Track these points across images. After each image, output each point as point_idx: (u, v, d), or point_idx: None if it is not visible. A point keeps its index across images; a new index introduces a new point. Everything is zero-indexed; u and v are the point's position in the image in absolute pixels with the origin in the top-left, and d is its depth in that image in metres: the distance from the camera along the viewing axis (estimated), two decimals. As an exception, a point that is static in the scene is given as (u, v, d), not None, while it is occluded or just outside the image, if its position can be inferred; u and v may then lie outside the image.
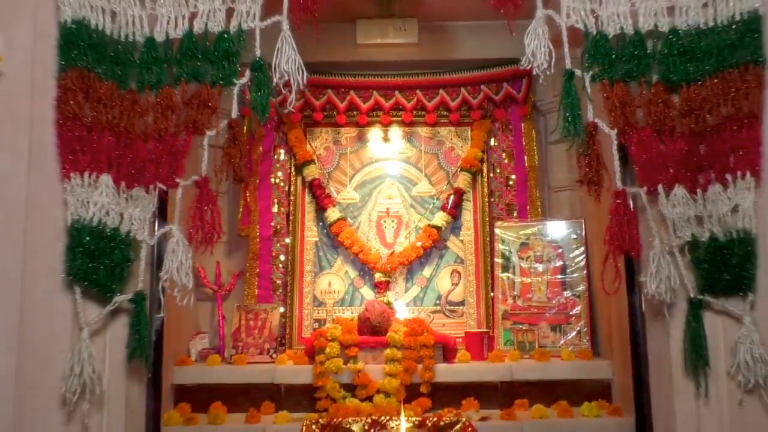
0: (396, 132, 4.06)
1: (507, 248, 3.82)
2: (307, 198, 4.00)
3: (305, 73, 1.58)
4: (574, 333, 3.57)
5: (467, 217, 3.97)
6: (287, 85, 1.53)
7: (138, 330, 1.50)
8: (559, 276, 3.70)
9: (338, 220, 3.89)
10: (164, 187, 1.51)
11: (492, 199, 3.98)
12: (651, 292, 1.58)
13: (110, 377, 1.48)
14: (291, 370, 3.36)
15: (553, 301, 3.67)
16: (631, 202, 1.56)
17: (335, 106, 3.97)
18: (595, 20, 1.54)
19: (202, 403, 3.25)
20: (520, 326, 3.63)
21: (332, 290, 3.89)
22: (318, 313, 3.84)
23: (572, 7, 1.52)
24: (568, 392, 3.27)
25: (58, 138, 1.47)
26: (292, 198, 3.98)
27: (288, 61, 1.52)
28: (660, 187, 1.50)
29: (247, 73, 1.54)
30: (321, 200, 3.94)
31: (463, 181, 3.94)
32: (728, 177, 1.47)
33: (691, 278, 1.49)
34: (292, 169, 3.99)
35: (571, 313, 3.62)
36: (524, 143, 3.99)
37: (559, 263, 3.72)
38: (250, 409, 3.21)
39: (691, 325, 1.49)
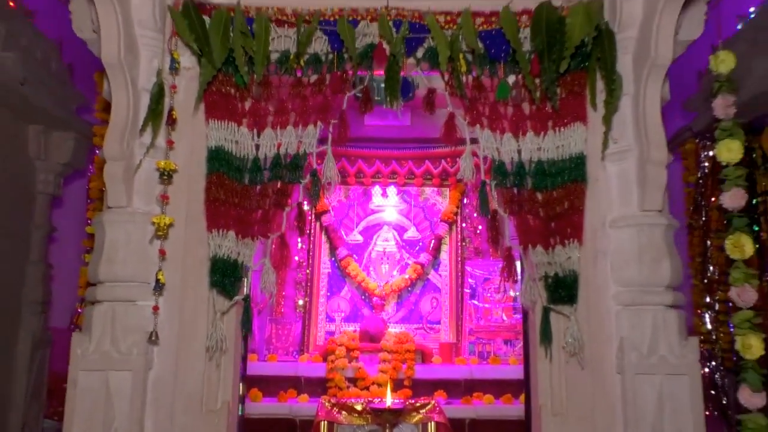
0: (392, 190, 5.27)
1: (474, 281, 4.99)
2: (323, 239, 5.19)
3: (339, 176, 2.79)
4: (520, 345, 4.72)
5: (445, 257, 5.15)
6: (329, 184, 2.75)
7: (246, 315, 2.66)
8: (511, 303, 4.87)
9: (346, 256, 5.07)
10: (262, 238, 2.69)
11: (464, 244, 5.17)
12: (522, 303, 2.76)
13: (229, 338, 2.64)
14: (309, 367, 4.50)
15: (507, 322, 4.84)
16: (514, 253, 2.76)
17: (347, 170, 5.19)
18: (498, 153, 2.74)
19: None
20: (481, 340, 4.78)
21: (340, 309, 5.04)
22: (329, 326, 4.99)
23: (485, 146, 2.72)
24: (512, 387, 4.41)
25: (206, 209, 2.65)
26: (311, 239, 5.17)
27: (330, 170, 2.74)
28: (529, 245, 2.68)
29: (308, 176, 2.74)
30: (334, 241, 5.13)
31: (442, 229, 5.15)
32: (566, 241, 2.64)
33: (544, 295, 2.66)
34: (313, 216, 5.20)
35: (518, 331, 4.78)
36: (488, 203, 5.21)
37: (511, 293, 4.90)
38: (279, 393, 4.35)
39: (543, 320, 2.64)
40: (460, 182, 5.20)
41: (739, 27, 4.61)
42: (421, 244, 5.10)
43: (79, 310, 3.40)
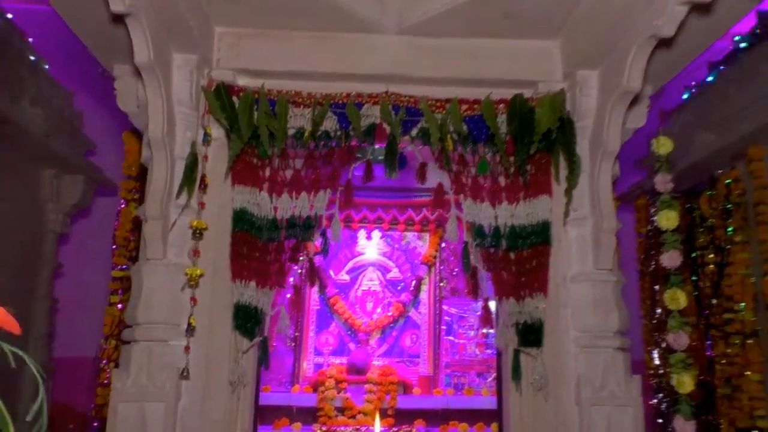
0: (377, 235, 5.75)
1: (450, 318, 5.48)
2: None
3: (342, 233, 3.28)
4: (491, 377, 5.20)
5: (424, 296, 5.63)
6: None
7: (264, 353, 3.08)
8: (483, 339, 5.37)
9: (335, 295, 5.51)
10: (278, 287, 3.13)
11: (441, 284, 5.66)
12: (497, 344, 3.27)
13: (248, 373, 3.05)
14: (301, 397, 4.90)
15: (479, 357, 5.32)
16: (489, 305, 3.28)
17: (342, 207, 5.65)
18: (478, 218, 3.25)
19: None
20: (456, 373, 5.25)
21: (328, 344, 5.46)
22: (318, 359, 5.40)
23: (467, 212, 3.24)
24: (484, 416, 4.88)
25: (231, 263, 3.07)
26: (302, 278, 5.59)
27: (336, 231, 3.23)
28: (503, 297, 3.18)
29: (318, 235, 3.21)
30: (323, 281, 5.57)
31: (422, 271, 5.64)
32: (534, 294, 3.14)
33: (515, 339, 3.15)
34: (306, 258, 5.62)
35: (490, 364, 5.26)
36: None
37: (484, 330, 5.40)
38: (274, 421, 4.73)
39: (514, 360, 3.12)
40: (438, 228, 5.72)
41: (686, 96, 5.28)
42: (402, 284, 5.56)
43: (104, 345, 3.77)
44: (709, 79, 4.88)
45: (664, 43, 2.74)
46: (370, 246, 5.70)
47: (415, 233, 5.71)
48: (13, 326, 0.91)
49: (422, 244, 5.71)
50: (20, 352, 0.91)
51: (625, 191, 5.84)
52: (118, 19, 2.58)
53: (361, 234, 5.70)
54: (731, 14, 2.71)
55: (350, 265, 5.64)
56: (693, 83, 5.15)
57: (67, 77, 5.23)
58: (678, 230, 3.45)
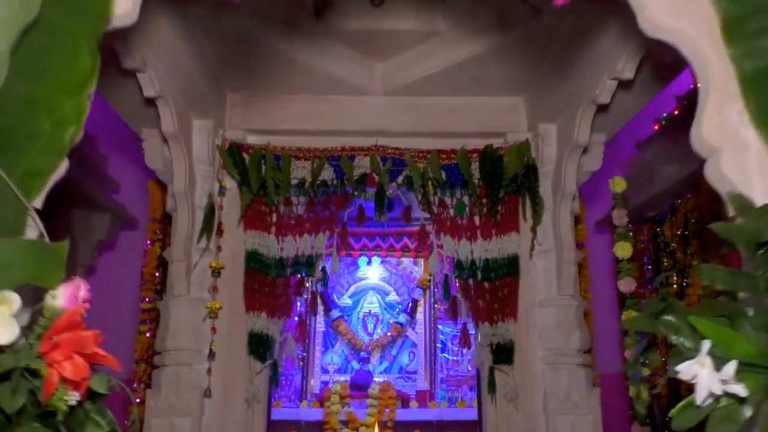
0: (376, 261, 6.23)
1: (444, 337, 5.94)
2: (319, 302, 6.10)
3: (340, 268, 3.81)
4: (482, 392, 5.64)
5: (420, 317, 6.09)
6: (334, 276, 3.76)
7: (274, 374, 3.58)
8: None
9: (338, 317, 5.99)
10: (285, 317, 3.64)
11: (436, 306, 6.12)
12: (475, 363, 3.76)
13: (261, 391, 3.55)
14: (309, 412, 5.36)
15: (471, 372, 5.76)
16: (468, 327, 3.77)
17: (339, 245, 6.16)
18: (457, 253, 3.75)
19: None
20: (450, 387, 5.70)
21: (333, 362, 5.93)
22: (323, 377, 5.86)
23: (447, 248, 3.74)
24: (474, 426, 5.32)
25: (244, 297, 3.58)
26: (308, 303, 6.07)
27: (335, 266, 3.75)
28: (479, 322, 3.67)
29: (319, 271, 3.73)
30: (327, 304, 6.05)
31: (417, 294, 6.11)
32: (505, 318, 3.63)
33: (490, 357, 3.63)
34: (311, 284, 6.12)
35: (481, 379, 5.70)
36: (457, 270, 6.22)
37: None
38: (285, 434, 5.19)
39: (489, 376, 3.60)
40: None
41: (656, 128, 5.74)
42: (400, 306, 6.03)
43: (136, 369, 4.29)
44: (676, 112, 5.35)
45: (604, 107, 3.24)
46: (371, 271, 6.18)
47: (411, 259, 6.19)
48: (114, 364, 1.38)
49: (418, 269, 6.18)
50: (120, 383, 1.39)
51: (604, 216, 6.31)
52: (150, 100, 3.12)
53: (362, 261, 6.19)
54: (651, 88, 3.22)
55: (352, 289, 6.12)
56: (664, 114, 5.60)
57: (90, 124, 5.78)
58: (644, 254, 3.95)
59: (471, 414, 5.32)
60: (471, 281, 3.69)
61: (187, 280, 3.52)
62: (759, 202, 1.47)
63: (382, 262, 6.20)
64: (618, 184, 3.86)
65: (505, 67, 3.55)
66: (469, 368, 5.72)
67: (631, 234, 3.83)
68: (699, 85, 1.67)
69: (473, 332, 3.94)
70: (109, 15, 1.53)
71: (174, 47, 2.98)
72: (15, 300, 1.25)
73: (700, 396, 1.29)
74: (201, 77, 3.36)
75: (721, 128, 1.60)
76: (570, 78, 3.25)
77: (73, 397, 1.26)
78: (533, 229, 3.68)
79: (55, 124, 1.57)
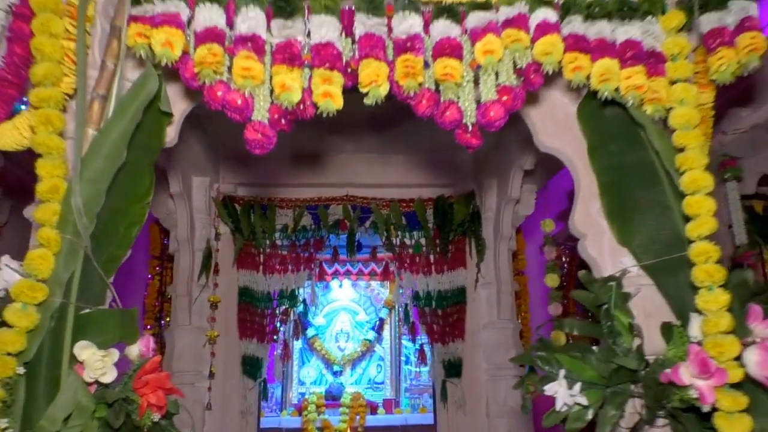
0: (347, 283, 6.91)
1: (408, 352, 6.64)
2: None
3: (317, 300, 4.49)
4: (441, 399, 6.36)
5: (386, 333, 6.77)
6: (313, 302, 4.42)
7: (263, 389, 4.24)
8: (435, 367, 6.52)
9: (314, 336, 6.64)
10: (272, 342, 4.29)
11: (400, 324, 6.82)
12: (431, 376, 4.49)
13: (253, 405, 4.19)
14: (289, 420, 6.00)
15: (432, 382, 6.47)
16: (424, 347, 4.49)
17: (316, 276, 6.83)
18: (415, 285, 4.47)
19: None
20: (414, 396, 6.41)
21: (310, 375, 6.57)
22: (301, 388, 6.49)
23: (407, 281, 4.47)
24: (432, 429, 6.04)
25: (238, 326, 4.23)
26: (288, 324, 6.71)
27: (315, 299, 4.41)
28: (434, 343, 4.39)
29: (301, 303, 4.39)
30: (304, 324, 6.69)
31: (384, 313, 6.81)
32: (455, 339, 4.36)
33: (443, 372, 4.36)
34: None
35: (440, 388, 6.42)
36: (419, 290, 6.93)
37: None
38: (268, 441, 5.81)
39: (442, 387, 4.32)
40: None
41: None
42: (369, 324, 6.71)
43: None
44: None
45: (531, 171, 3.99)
46: (342, 292, 6.85)
47: (378, 282, 6.87)
48: (177, 392, 2.04)
49: (384, 291, 6.87)
50: (179, 400, 2.04)
51: (556, 233, 7.12)
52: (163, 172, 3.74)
53: (335, 284, 6.86)
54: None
55: (326, 310, 6.78)
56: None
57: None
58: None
59: (429, 418, 6.02)
60: (427, 309, 4.40)
61: (189, 312, 4.13)
62: (610, 270, 2.17)
63: (352, 284, 6.87)
64: (547, 225, 4.61)
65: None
66: (430, 379, 6.43)
67: (558, 265, 4.58)
68: (575, 186, 2.40)
69: (429, 351, 4.64)
70: (164, 145, 2.19)
71: (185, 133, 3.62)
72: (116, 354, 1.91)
73: (558, 405, 2.03)
74: (200, 147, 4.01)
75: (587, 219, 2.31)
76: (503, 151, 4.01)
77: (156, 416, 1.93)
78: (477, 265, 4.41)
79: (126, 226, 2.22)
